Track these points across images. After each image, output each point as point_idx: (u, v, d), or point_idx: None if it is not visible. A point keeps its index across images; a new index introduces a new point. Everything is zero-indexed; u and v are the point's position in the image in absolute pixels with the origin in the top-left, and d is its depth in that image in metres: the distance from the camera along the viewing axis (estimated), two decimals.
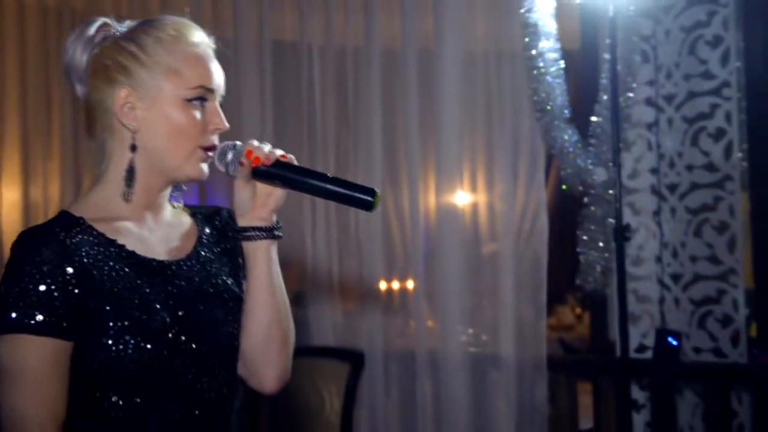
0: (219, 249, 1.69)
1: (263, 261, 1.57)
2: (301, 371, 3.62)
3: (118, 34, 1.59)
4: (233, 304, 1.62)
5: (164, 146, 1.56)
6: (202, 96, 1.53)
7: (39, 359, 1.48)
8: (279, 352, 1.61)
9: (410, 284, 3.74)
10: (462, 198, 3.68)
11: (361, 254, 3.73)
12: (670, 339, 2.87)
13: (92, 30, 1.59)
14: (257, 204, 1.54)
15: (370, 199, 1.45)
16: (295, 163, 1.51)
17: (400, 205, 3.77)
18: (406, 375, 3.61)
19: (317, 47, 3.86)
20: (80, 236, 1.52)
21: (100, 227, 1.56)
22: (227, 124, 1.55)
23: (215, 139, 1.54)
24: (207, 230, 1.69)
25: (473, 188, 3.68)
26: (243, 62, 3.91)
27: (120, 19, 1.65)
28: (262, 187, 1.53)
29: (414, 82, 3.61)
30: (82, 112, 1.66)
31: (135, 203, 1.59)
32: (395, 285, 3.85)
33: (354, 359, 3.52)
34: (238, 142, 1.52)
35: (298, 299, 3.86)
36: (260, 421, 3.69)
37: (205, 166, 1.55)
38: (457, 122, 3.52)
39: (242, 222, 1.56)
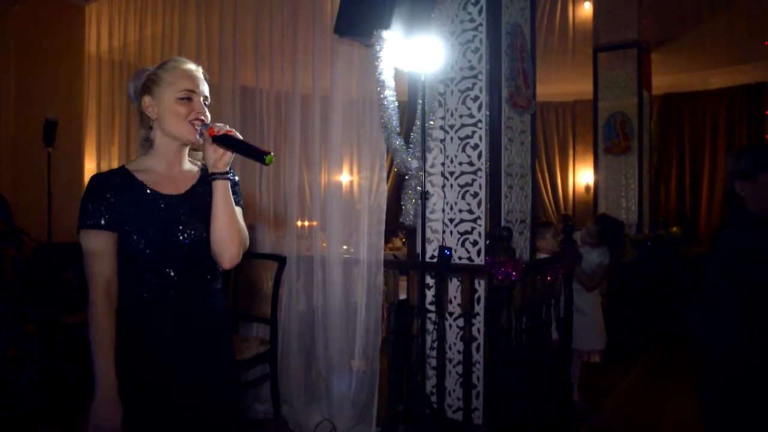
0: (209, 188, 1.62)
1: (220, 192, 1.55)
2: (252, 266, 3.63)
3: (150, 70, 1.61)
4: (207, 216, 1.58)
5: (170, 123, 1.57)
6: (188, 96, 1.55)
7: (101, 244, 1.52)
8: (230, 244, 1.57)
9: (314, 223, 3.69)
10: (343, 177, 3.63)
11: (287, 205, 3.66)
12: (446, 251, 2.89)
13: (137, 73, 1.64)
14: (217, 159, 1.53)
15: (265, 157, 1.47)
16: (237, 136, 1.51)
17: (309, 179, 3.72)
18: (308, 269, 3.57)
19: (265, 91, 3.76)
20: (121, 178, 1.55)
21: (138, 175, 1.57)
22: (204, 110, 1.58)
23: (199, 116, 1.56)
24: (204, 176, 1.65)
25: (350, 172, 3.66)
26: (223, 98, 3.77)
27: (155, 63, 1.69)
28: (220, 150, 1.52)
29: (318, 113, 3.55)
30: (135, 118, 1.69)
31: (162, 159, 1.62)
32: (306, 223, 3.79)
33: (281, 260, 3.51)
34: (209, 123, 1.55)
35: (250, 228, 3.83)
36: (228, 293, 3.65)
37: (198, 135, 1.56)
38: (341, 136, 3.49)
39: (209, 170, 1.54)
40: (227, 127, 1.53)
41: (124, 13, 4.75)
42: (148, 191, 1.57)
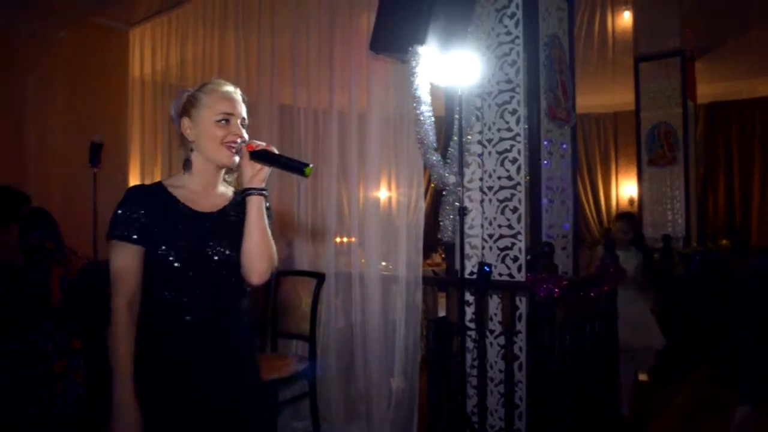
0: (241, 208, 1.63)
1: (255, 208, 1.56)
2: (290, 283, 3.63)
3: (190, 91, 1.63)
4: (237, 237, 1.59)
5: (206, 146, 1.58)
6: (225, 118, 1.56)
7: (128, 256, 1.54)
8: (261, 261, 1.57)
9: (352, 239, 3.68)
10: (380, 193, 3.63)
11: (325, 221, 3.67)
12: (485, 268, 2.84)
13: (179, 95, 1.65)
14: (253, 175, 1.54)
15: (304, 168, 1.48)
16: (274, 151, 1.52)
17: (347, 196, 3.73)
18: (346, 287, 3.56)
19: (303, 109, 3.80)
20: (158, 193, 1.57)
21: (173, 191, 1.59)
22: (242, 132, 1.59)
23: (235, 138, 1.57)
24: (237, 200, 1.66)
25: (387, 188, 3.67)
26: (262, 117, 3.83)
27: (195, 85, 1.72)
28: (257, 166, 1.54)
29: (355, 131, 3.57)
30: (175, 138, 1.71)
31: (198, 180, 1.63)
32: (345, 239, 3.78)
33: (319, 277, 3.50)
34: (247, 140, 1.57)
35: (289, 245, 3.85)
36: (268, 311, 3.67)
37: (233, 157, 1.57)
38: (378, 153, 3.50)
39: (245, 185, 1.55)
40: (264, 144, 1.55)
41: (166, 36, 4.88)
42: (182, 206, 1.59)
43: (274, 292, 3.65)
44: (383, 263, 3.57)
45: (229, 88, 1.62)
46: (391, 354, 3.31)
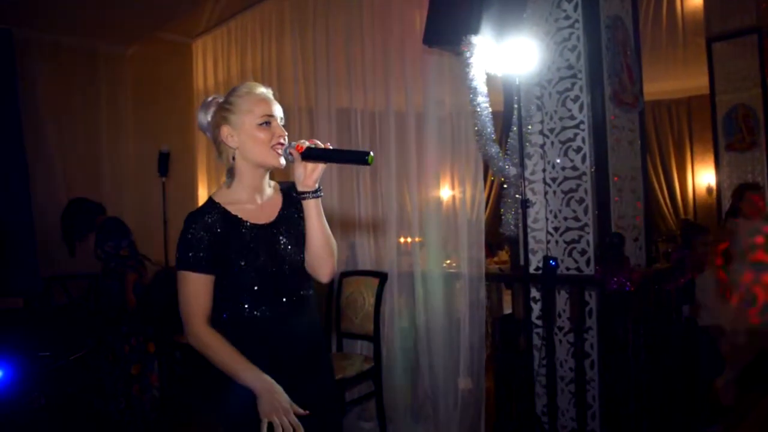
0: (297, 205, 1.65)
1: (313, 211, 1.57)
2: (353, 283, 3.63)
3: (220, 100, 1.62)
4: (301, 238, 1.61)
5: (254, 151, 1.56)
6: (267, 120, 1.54)
7: (200, 284, 1.54)
8: (327, 259, 1.61)
9: (416, 239, 3.64)
10: (440, 191, 3.58)
11: (385, 221, 3.66)
12: (551, 262, 2.76)
13: (206, 104, 1.64)
14: (306, 177, 1.53)
15: (366, 157, 1.43)
16: (321, 146, 1.50)
17: (407, 195, 3.68)
18: (408, 285, 3.53)
19: (360, 111, 3.81)
20: (217, 215, 1.57)
21: (230, 208, 1.61)
22: (285, 132, 1.57)
23: (281, 140, 1.55)
24: (289, 194, 1.66)
25: (447, 186, 3.60)
26: (321, 121, 3.85)
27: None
28: (309, 167, 1.52)
29: (412, 130, 3.55)
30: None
31: (247, 187, 1.61)
32: (408, 239, 3.74)
33: (382, 277, 3.48)
34: (293, 142, 1.54)
35: (351, 246, 3.85)
36: (332, 311, 3.69)
37: (281, 159, 1.55)
38: (436, 151, 3.45)
39: (299, 188, 1.55)
40: (307, 142, 1.51)
41: (227, 46, 5.00)
42: (248, 225, 1.58)
43: (337, 292, 3.66)
44: (448, 261, 3.52)
45: (263, 89, 1.60)
46: (456, 353, 3.25)
